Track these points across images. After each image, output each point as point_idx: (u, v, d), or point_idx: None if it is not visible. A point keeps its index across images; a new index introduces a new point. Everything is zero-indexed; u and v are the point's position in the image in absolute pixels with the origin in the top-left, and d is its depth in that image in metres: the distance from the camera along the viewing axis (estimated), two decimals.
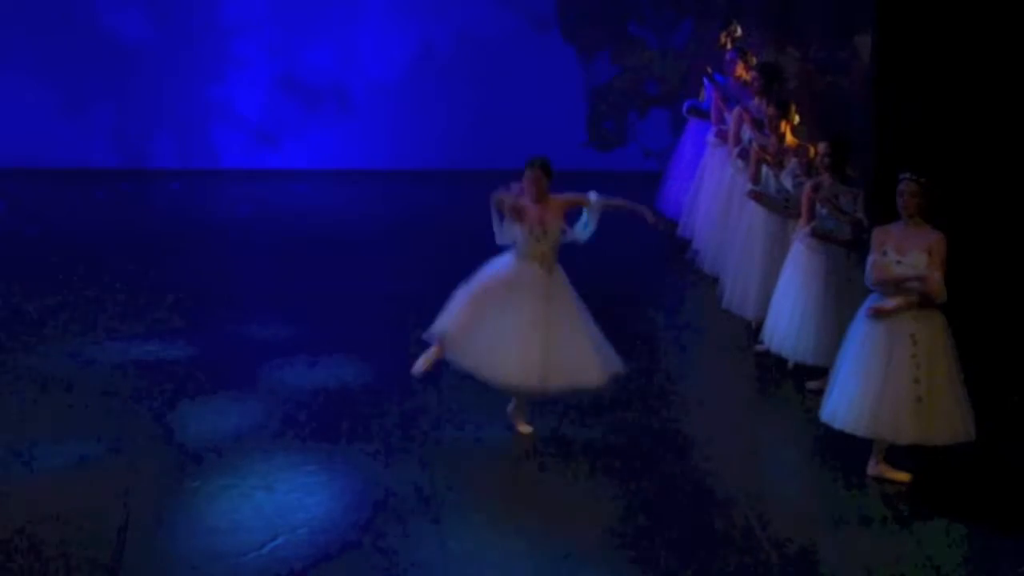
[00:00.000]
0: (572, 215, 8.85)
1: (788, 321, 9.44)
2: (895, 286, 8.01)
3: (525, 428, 8.77)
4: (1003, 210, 9.75)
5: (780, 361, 9.75)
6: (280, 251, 12.48)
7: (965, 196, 9.46)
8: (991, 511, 7.89)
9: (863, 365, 8.05)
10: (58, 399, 9.12)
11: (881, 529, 7.74)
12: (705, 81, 12.29)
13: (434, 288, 11.34)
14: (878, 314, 8.05)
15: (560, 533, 7.55)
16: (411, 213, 13.75)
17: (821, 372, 8.96)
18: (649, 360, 10.10)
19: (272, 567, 7.12)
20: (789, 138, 10.16)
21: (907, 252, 8.00)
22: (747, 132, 10.96)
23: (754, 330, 10.24)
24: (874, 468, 8.23)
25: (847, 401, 8.10)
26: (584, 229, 8.71)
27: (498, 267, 8.76)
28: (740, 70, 11.88)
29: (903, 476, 8.20)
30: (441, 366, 8.78)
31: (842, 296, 9.11)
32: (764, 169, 10.23)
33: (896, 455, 8.23)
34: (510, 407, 8.79)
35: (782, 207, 10.02)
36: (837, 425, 8.19)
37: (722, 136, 11.70)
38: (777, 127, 10.16)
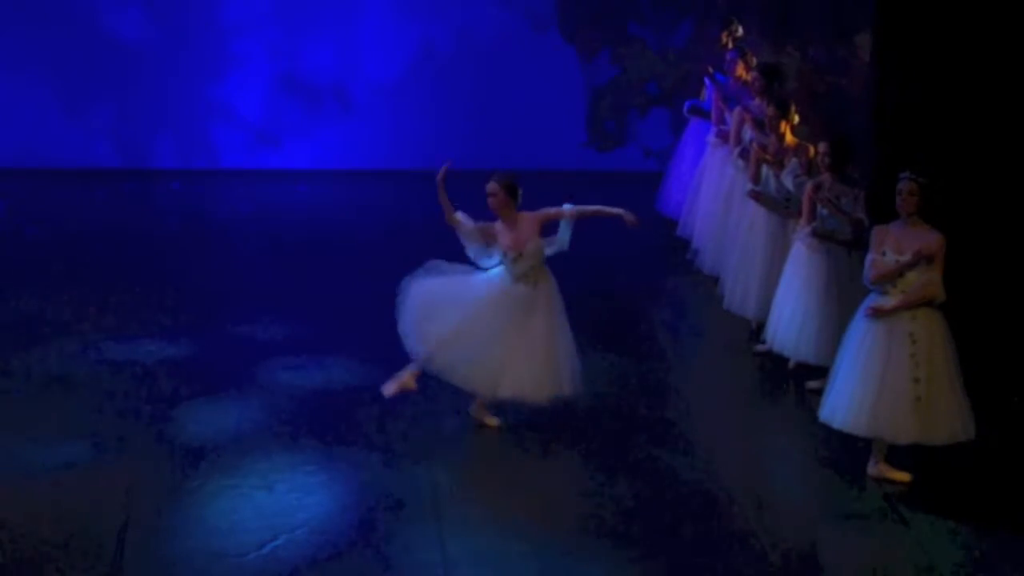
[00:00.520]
0: (550, 226, 8.79)
1: (789, 321, 9.44)
2: (893, 279, 8.02)
3: (492, 421, 8.81)
4: (1003, 210, 9.75)
5: (780, 361, 9.75)
6: (280, 251, 12.48)
7: (965, 196, 9.46)
8: (991, 511, 7.89)
9: (862, 365, 8.06)
10: (58, 399, 9.12)
11: (881, 529, 7.74)
12: (706, 81, 12.29)
13: None
14: (877, 314, 8.05)
15: (560, 533, 7.55)
16: (411, 213, 13.74)
17: (822, 372, 8.96)
18: (649, 360, 10.10)
19: (272, 567, 7.12)
20: (789, 138, 10.16)
21: (906, 252, 8.00)
22: (748, 132, 10.95)
23: (754, 330, 10.24)
24: (874, 468, 8.23)
25: (846, 401, 8.11)
26: (560, 240, 8.70)
27: (484, 284, 8.77)
28: (740, 70, 11.87)
29: (903, 476, 8.20)
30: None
31: (843, 296, 9.11)
32: (764, 169, 10.23)
33: (896, 455, 8.23)
34: (472, 407, 8.83)
35: (782, 207, 10.02)
36: (836, 425, 8.20)
37: (723, 136, 11.70)
38: (777, 127, 10.16)
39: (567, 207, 8.72)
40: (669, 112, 15.17)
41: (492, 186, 8.74)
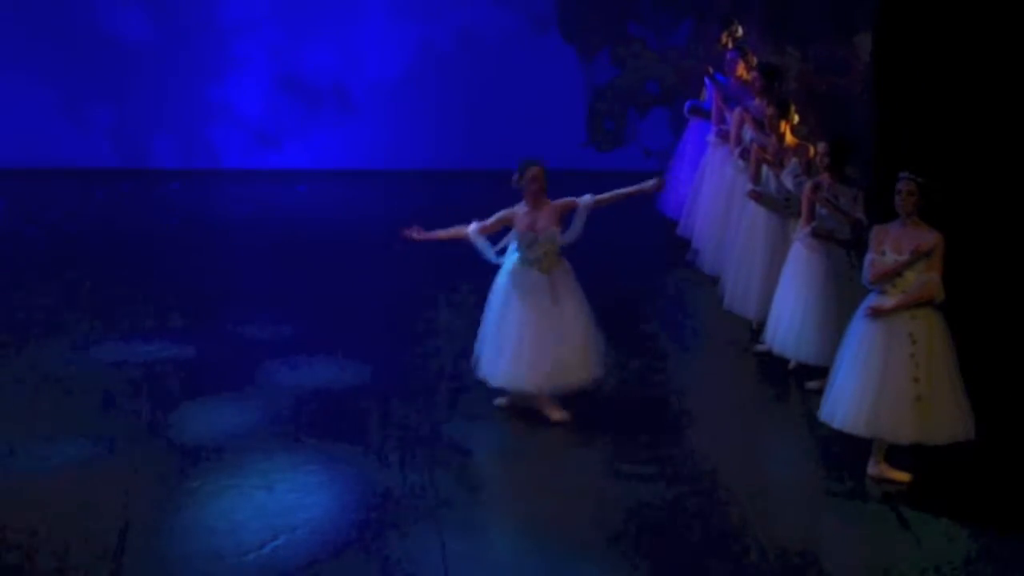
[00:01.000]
0: (569, 217, 8.91)
1: (789, 321, 9.44)
2: (892, 279, 8.02)
3: (558, 414, 8.88)
4: (1003, 210, 9.75)
5: (780, 361, 9.75)
6: (280, 251, 12.48)
7: (965, 196, 9.46)
8: (991, 511, 7.89)
9: (862, 365, 8.06)
10: (58, 399, 9.12)
11: (881, 529, 7.74)
12: (706, 81, 12.29)
13: (434, 288, 11.40)
14: (876, 313, 8.05)
15: (560, 533, 7.55)
16: (411, 213, 13.71)
17: (821, 372, 8.96)
18: (649, 360, 10.10)
19: (272, 567, 7.12)
20: (789, 138, 10.16)
21: (905, 251, 8.00)
22: (748, 132, 10.95)
23: (754, 330, 10.24)
24: (874, 468, 8.23)
25: (846, 401, 8.11)
26: (573, 229, 8.80)
27: (500, 280, 8.90)
28: (741, 70, 11.87)
29: (903, 476, 8.20)
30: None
31: (843, 296, 9.11)
32: (764, 169, 10.23)
33: (896, 455, 8.23)
34: (537, 404, 8.92)
35: (782, 207, 10.02)
36: (836, 425, 8.19)
37: (723, 136, 11.70)
38: (777, 127, 10.16)
39: (585, 197, 8.81)
40: (669, 112, 15.17)
41: (538, 171, 8.79)
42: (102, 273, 11.68)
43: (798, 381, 9.57)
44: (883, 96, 10.15)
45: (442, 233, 9.10)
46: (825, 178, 9.25)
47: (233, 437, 8.60)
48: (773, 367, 9.82)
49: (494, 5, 15.03)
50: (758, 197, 10.15)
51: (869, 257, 8.13)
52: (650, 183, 9.05)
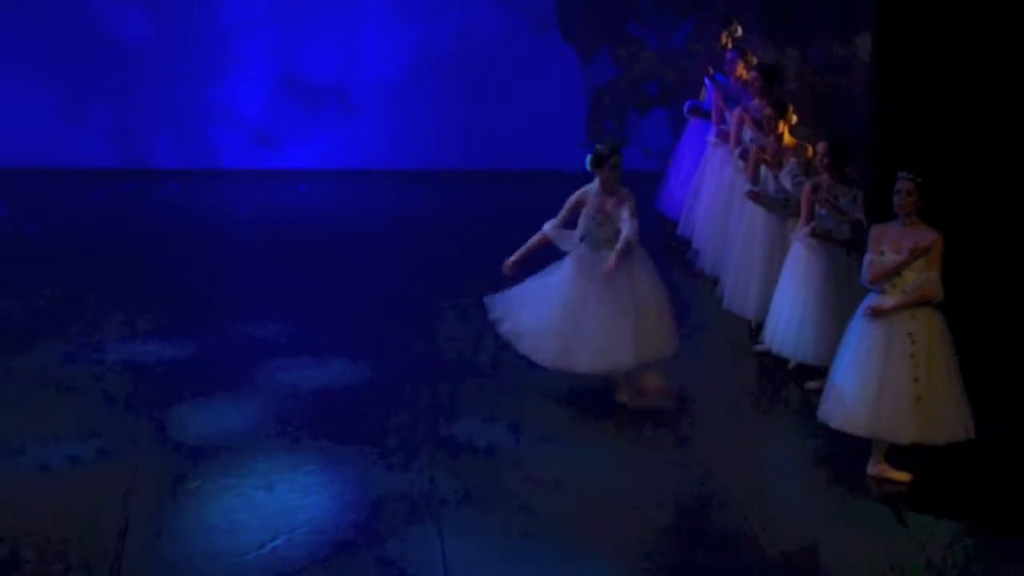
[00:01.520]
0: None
1: (788, 321, 9.44)
2: (891, 278, 8.03)
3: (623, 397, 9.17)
4: (1003, 210, 9.74)
5: (780, 361, 9.76)
6: (280, 251, 12.48)
7: (965, 196, 9.45)
8: (991, 511, 7.89)
9: (861, 364, 8.06)
10: (58, 399, 9.12)
11: (881, 529, 7.74)
12: (706, 81, 12.29)
13: (434, 288, 11.41)
14: (876, 313, 8.05)
15: (560, 533, 7.55)
16: (411, 213, 13.75)
17: (821, 372, 8.96)
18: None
19: (272, 567, 7.12)
20: (787, 138, 10.16)
21: (904, 251, 8.00)
22: (748, 132, 10.96)
23: (754, 330, 10.24)
24: (874, 468, 8.23)
25: (846, 401, 8.11)
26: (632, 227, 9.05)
27: (567, 271, 9.06)
28: (741, 70, 11.88)
29: (903, 476, 8.20)
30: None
31: (842, 296, 9.11)
32: (763, 169, 10.23)
33: (896, 455, 8.23)
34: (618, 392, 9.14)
35: (781, 207, 10.02)
36: (835, 425, 8.19)
37: (722, 136, 11.70)
38: (775, 127, 10.16)
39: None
40: (669, 112, 15.18)
41: (620, 159, 9.00)
42: (102, 273, 11.69)
43: (798, 381, 9.57)
44: (883, 96, 10.14)
45: (530, 245, 9.28)
46: (824, 178, 9.25)
47: (233, 437, 8.60)
48: (773, 367, 9.82)
49: (494, 5, 15.03)
50: (756, 197, 10.16)
51: (868, 257, 8.13)
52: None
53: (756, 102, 11.00)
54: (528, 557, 7.28)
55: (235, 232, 13.11)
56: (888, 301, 8.05)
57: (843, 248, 9.24)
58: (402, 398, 9.21)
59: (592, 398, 9.22)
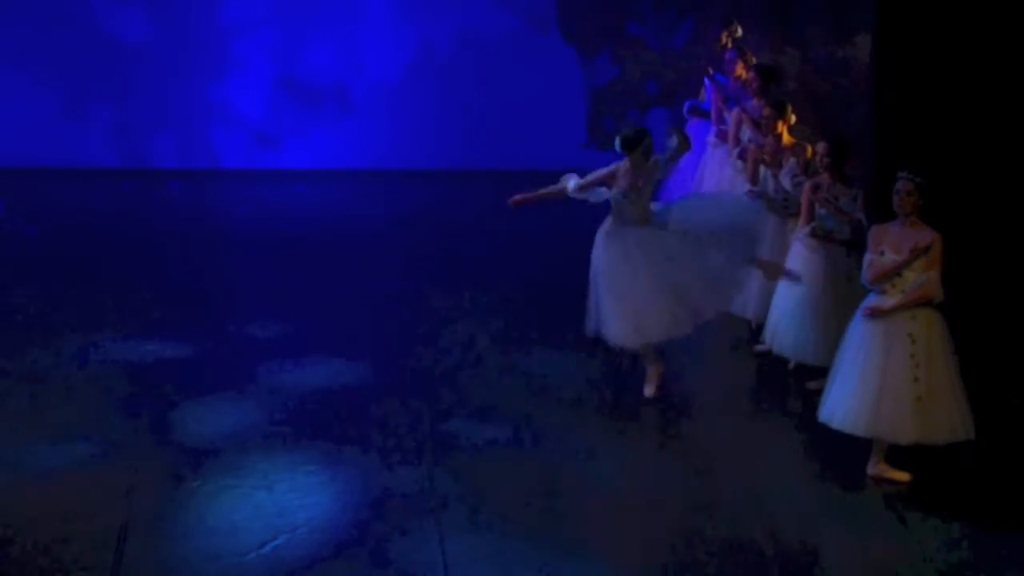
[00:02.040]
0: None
1: (788, 321, 9.44)
2: (891, 278, 8.03)
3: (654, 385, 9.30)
4: (1002, 210, 9.75)
5: (780, 361, 9.75)
6: (280, 251, 12.48)
7: (965, 196, 9.46)
8: (991, 511, 7.89)
9: (862, 365, 8.05)
10: (58, 399, 9.12)
11: (881, 529, 7.74)
12: (706, 81, 12.29)
13: (434, 288, 11.40)
14: (876, 314, 8.05)
15: (560, 533, 7.55)
16: (411, 213, 13.75)
17: (821, 372, 8.96)
18: None
19: (272, 567, 7.12)
20: (787, 138, 10.16)
21: (904, 251, 8.00)
22: (746, 132, 10.96)
23: (754, 330, 10.24)
24: (874, 468, 8.23)
25: (846, 401, 8.10)
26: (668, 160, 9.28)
27: (601, 251, 9.16)
28: (740, 70, 11.88)
29: (903, 476, 8.20)
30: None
31: (842, 296, 9.10)
32: (763, 169, 10.23)
33: (896, 455, 8.23)
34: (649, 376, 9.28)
35: (781, 207, 10.02)
36: (836, 425, 8.19)
37: (722, 136, 11.70)
38: (773, 127, 10.16)
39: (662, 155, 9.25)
40: (669, 112, 15.17)
41: (650, 141, 9.13)
42: (102, 273, 11.68)
43: (798, 381, 9.57)
44: (883, 96, 10.14)
45: (542, 191, 9.42)
46: (824, 178, 9.25)
47: (233, 437, 8.60)
48: (773, 367, 9.82)
49: (494, 5, 15.03)
50: (756, 197, 10.15)
51: (868, 257, 8.13)
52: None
53: (754, 102, 11.00)
54: (528, 557, 7.28)
55: (235, 232, 13.11)
56: (888, 301, 8.04)
57: (843, 248, 9.23)
58: (402, 398, 9.21)
59: (592, 398, 9.21)
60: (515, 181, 14.55)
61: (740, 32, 12.34)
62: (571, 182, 9.27)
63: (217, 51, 14.91)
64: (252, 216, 13.62)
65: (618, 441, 8.74)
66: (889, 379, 7.97)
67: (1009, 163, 9.78)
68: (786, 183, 9.92)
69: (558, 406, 9.13)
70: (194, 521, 7.56)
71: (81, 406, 9.01)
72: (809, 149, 9.85)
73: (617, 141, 9.10)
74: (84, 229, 13.05)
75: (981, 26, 9.71)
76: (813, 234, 9.27)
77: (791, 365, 9.72)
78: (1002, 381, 9.17)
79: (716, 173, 11.71)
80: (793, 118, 10.23)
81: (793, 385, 9.59)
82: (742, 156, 10.86)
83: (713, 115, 12.06)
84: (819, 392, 8.60)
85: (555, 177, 9.37)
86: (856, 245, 9.10)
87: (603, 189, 9.19)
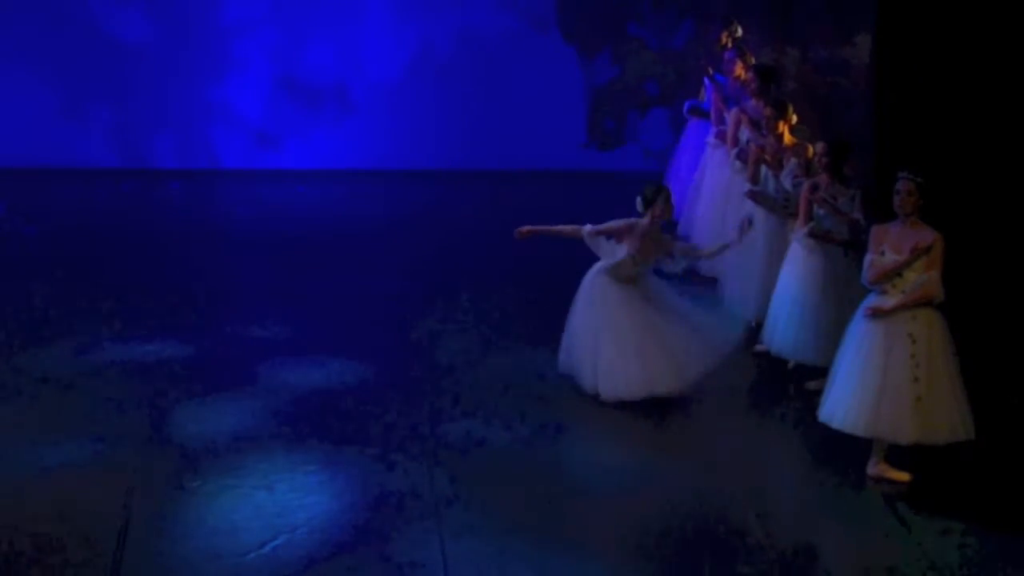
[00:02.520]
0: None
1: (787, 321, 9.44)
2: (892, 279, 8.03)
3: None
4: (1003, 210, 9.75)
5: (780, 361, 9.75)
6: (280, 251, 12.48)
7: (965, 196, 9.46)
8: (991, 511, 7.89)
9: (862, 365, 8.05)
10: (58, 399, 9.12)
11: (881, 529, 7.74)
12: (705, 81, 12.29)
13: (434, 288, 11.41)
14: (876, 314, 8.05)
15: (560, 533, 7.55)
16: (411, 213, 13.75)
17: (820, 372, 8.96)
18: None
19: (272, 567, 7.12)
20: (787, 138, 10.16)
21: (904, 251, 8.00)
22: (745, 133, 10.96)
23: (754, 330, 10.24)
24: (874, 468, 8.23)
25: (846, 401, 8.10)
26: (676, 264, 9.38)
27: (600, 300, 9.19)
28: (739, 70, 11.88)
29: (903, 476, 8.20)
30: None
31: (841, 296, 9.11)
32: (763, 169, 10.23)
33: (896, 455, 8.23)
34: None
35: (781, 207, 10.02)
36: (835, 425, 8.19)
37: (721, 136, 11.70)
38: (774, 127, 10.16)
39: (683, 245, 9.52)
40: (669, 112, 15.18)
41: (670, 195, 9.19)
42: (102, 273, 11.68)
43: (798, 381, 9.57)
44: (883, 96, 10.15)
45: (554, 228, 9.35)
46: (823, 178, 9.25)
47: (233, 437, 8.60)
48: (773, 367, 9.82)
49: (494, 5, 15.03)
50: (756, 197, 10.16)
51: (869, 257, 8.13)
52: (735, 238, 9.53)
53: (753, 102, 11.00)
54: (528, 557, 7.28)
55: (235, 232, 13.11)
56: (889, 301, 8.05)
57: (842, 248, 9.23)
58: (402, 398, 9.22)
59: (591, 399, 9.21)
60: (515, 181, 14.64)
61: (740, 32, 12.34)
62: (586, 228, 9.23)
63: (217, 51, 14.91)
64: (252, 216, 13.62)
65: (618, 441, 8.74)
66: (889, 379, 7.97)
67: (1009, 163, 9.78)
68: (786, 183, 9.92)
69: (558, 406, 9.13)
70: (194, 521, 7.56)
71: (81, 406, 9.01)
72: (810, 149, 9.85)
73: (638, 200, 9.13)
74: (84, 229, 13.06)
75: (981, 26, 9.71)
76: (811, 234, 9.27)
77: (791, 365, 9.72)
78: (1002, 381, 9.17)
79: (716, 173, 11.71)
80: (794, 118, 10.23)
81: (793, 385, 9.59)
82: (741, 156, 10.87)
83: (712, 115, 12.07)
84: (819, 392, 8.60)
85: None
86: (854, 245, 9.10)
87: (608, 252, 9.18)
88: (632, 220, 9.14)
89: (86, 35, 14.74)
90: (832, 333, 8.85)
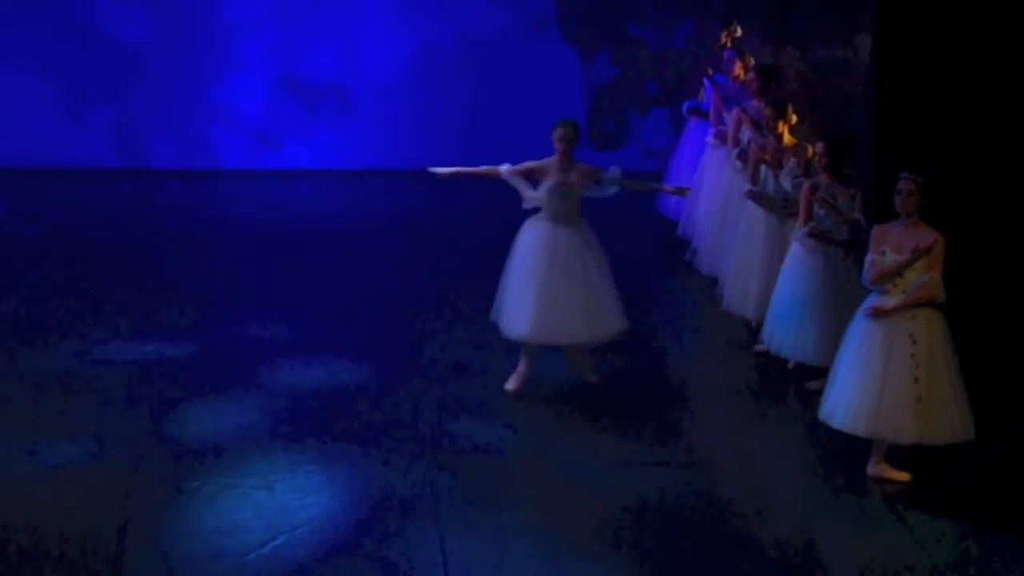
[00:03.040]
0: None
1: (787, 321, 9.44)
2: (893, 279, 8.03)
3: (594, 376, 9.42)
4: (1003, 210, 9.75)
5: (780, 361, 9.75)
6: (280, 251, 12.48)
7: (965, 196, 9.46)
8: (991, 511, 7.89)
9: (862, 365, 8.06)
10: (58, 399, 9.12)
11: (881, 529, 7.74)
12: (705, 81, 12.29)
13: (434, 288, 11.41)
14: (877, 314, 8.05)
15: (560, 533, 7.55)
16: (411, 213, 13.75)
17: (821, 372, 8.96)
18: (649, 360, 10.11)
19: (272, 567, 7.12)
20: (787, 138, 10.16)
21: (905, 251, 8.01)
22: (745, 133, 10.96)
23: (754, 330, 10.24)
24: (874, 468, 8.23)
25: (846, 401, 8.11)
26: (608, 180, 9.21)
27: (527, 240, 9.16)
28: (738, 70, 11.88)
29: (903, 476, 8.20)
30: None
31: (840, 296, 9.11)
32: (763, 169, 10.23)
33: (896, 455, 8.23)
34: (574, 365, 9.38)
35: (781, 207, 10.02)
36: (836, 425, 8.20)
37: (721, 137, 11.70)
38: (774, 128, 10.16)
39: (613, 168, 9.28)
40: (669, 112, 15.18)
41: (569, 132, 9.09)
42: (102, 273, 11.68)
43: (798, 381, 9.57)
44: (883, 96, 10.14)
45: (472, 169, 9.39)
46: (823, 178, 9.25)
47: (233, 437, 8.60)
48: (772, 367, 9.82)
49: (494, 5, 15.03)
50: (756, 197, 10.16)
51: (869, 257, 8.13)
52: (677, 190, 10.14)
53: (754, 102, 11.00)
54: (527, 556, 7.29)
55: (235, 232, 13.11)
56: (889, 301, 8.05)
57: (841, 248, 9.23)
58: (402, 398, 9.22)
59: (592, 398, 9.21)
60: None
61: (740, 32, 12.34)
62: (504, 167, 9.25)
63: (217, 51, 14.91)
64: (252, 216, 13.62)
65: (618, 441, 8.74)
66: (890, 379, 7.97)
67: (1009, 163, 9.77)
68: (786, 184, 9.92)
69: (558, 406, 9.13)
70: (194, 521, 7.56)
71: (81, 406, 9.01)
72: (810, 149, 9.85)
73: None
74: (84, 229, 13.06)
75: (981, 26, 9.70)
76: (811, 234, 9.27)
77: (790, 365, 9.72)
78: (1002, 381, 9.17)
79: (716, 173, 11.71)
80: (794, 118, 10.22)
81: (793, 385, 9.59)
82: (742, 156, 10.87)
83: (712, 116, 12.07)
84: (819, 392, 8.60)
85: None
86: (854, 245, 9.10)
87: (530, 193, 9.14)
88: (546, 159, 9.15)
89: (86, 35, 14.74)
90: (832, 333, 8.85)
